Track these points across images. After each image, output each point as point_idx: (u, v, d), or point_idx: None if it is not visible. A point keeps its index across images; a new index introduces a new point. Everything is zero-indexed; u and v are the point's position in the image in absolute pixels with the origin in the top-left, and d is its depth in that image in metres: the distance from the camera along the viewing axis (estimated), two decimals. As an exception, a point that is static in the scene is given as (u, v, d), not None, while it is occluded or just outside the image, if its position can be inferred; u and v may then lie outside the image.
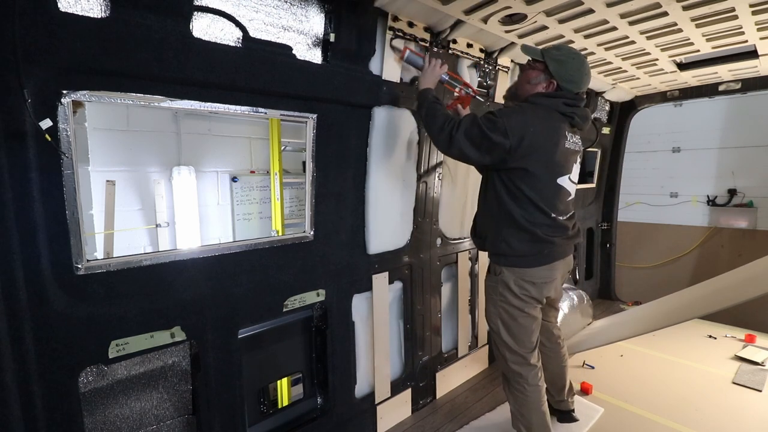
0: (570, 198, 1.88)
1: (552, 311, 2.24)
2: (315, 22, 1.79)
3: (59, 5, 1.15)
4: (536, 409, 1.92)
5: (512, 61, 2.76)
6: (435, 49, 2.22)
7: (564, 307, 3.22)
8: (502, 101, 2.81)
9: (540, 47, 1.86)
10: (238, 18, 1.52)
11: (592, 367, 3.00)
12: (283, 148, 4.89)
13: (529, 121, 1.68)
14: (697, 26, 2.13)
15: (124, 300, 1.41)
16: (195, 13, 1.41)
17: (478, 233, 2.00)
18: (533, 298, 1.86)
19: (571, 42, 2.34)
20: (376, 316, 2.29)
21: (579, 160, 1.94)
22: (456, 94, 2.10)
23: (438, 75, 1.96)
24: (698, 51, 2.57)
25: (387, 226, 2.29)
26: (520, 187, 1.75)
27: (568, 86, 1.79)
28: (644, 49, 2.51)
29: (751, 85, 3.32)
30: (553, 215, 1.80)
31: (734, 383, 2.75)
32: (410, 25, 2.07)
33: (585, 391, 2.67)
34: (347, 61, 1.89)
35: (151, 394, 1.59)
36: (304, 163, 3.17)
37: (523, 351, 1.90)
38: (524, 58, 2.77)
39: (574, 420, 2.32)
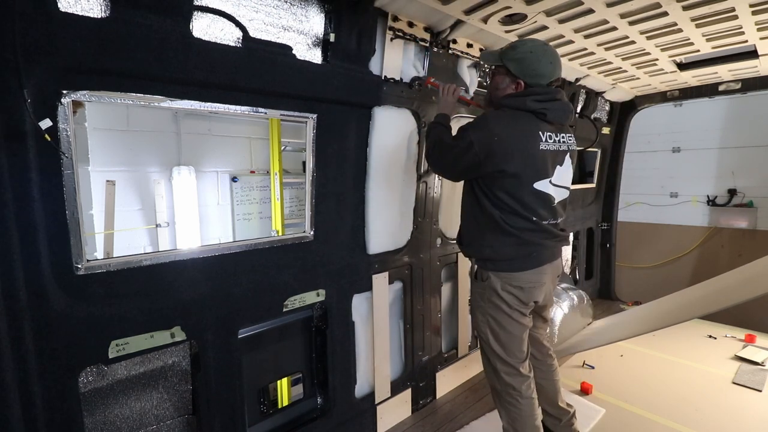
0: (555, 202, 1.77)
1: (542, 322, 2.11)
2: (315, 22, 1.79)
3: (59, 5, 1.15)
4: (530, 423, 1.83)
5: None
6: (437, 50, 2.24)
7: (564, 307, 3.23)
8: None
9: (498, 49, 1.79)
10: (238, 18, 1.52)
11: (592, 367, 3.00)
12: (283, 148, 4.89)
13: (492, 131, 1.62)
14: (697, 26, 2.13)
15: (124, 300, 1.41)
16: (195, 13, 1.41)
17: (463, 240, 1.94)
18: (522, 303, 1.79)
19: (571, 42, 2.34)
20: (376, 316, 2.29)
21: (568, 159, 1.81)
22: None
23: (452, 101, 1.98)
24: (698, 51, 2.57)
25: (387, 226, 2.29)
26: (497, 194, 1.69)
27: (536, 81, 1.70)
28: (644, 49, 2.51)
29: (751, 85, 3.32)
30: (535, 219, 1.72)
31: (734, 383, 2.75)
32: (410, 25, 2.07)
33: (585, 391, 2.67)
34: (347, 61, 1.89)
35: (151, 394, 1.59)
36: (304, 163, 3.17)
37: (513, 361, 1.82)
38: None
39: None
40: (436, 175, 2.57)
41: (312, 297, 1.99)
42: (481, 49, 2.44)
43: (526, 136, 1.66)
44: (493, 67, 1.83)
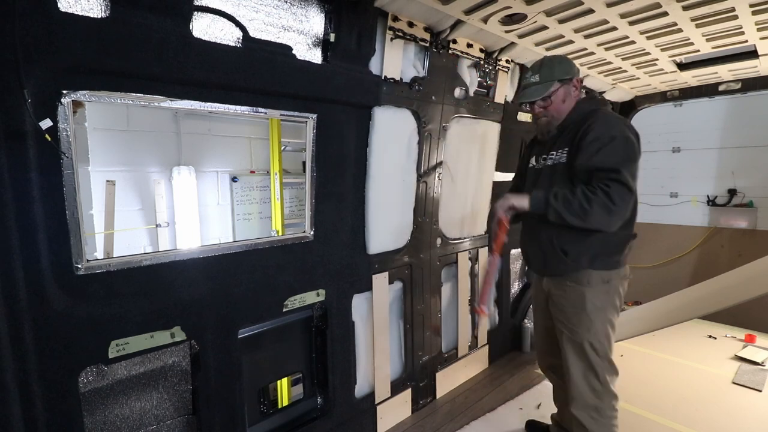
0: None
1: None
2: (315, 22, 1.79)
3: (59, 5, 1.15)
4: None
5: (512, 60, 2.76)
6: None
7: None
8: (502, 101, 2.83)
9: (533, 81, 1.77)
10: (238, 18, 1.52)
11: (592, 367, 3.00)
12: (283, 148, 4.88)
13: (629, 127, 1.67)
14: (697, 26, 2.13)
15: (124, 300, 1.41)
16: (195, 13, 1.41)
17: (568, 254, 1.71)
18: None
19: (571, 42, 2.34)
20: (376, 316, 2.29)
21: None
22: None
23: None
24: (698, 51, 2.57)
25: (387, 226, 2.29)
26: None
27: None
28: (644, 49, 2.51)
29: (751, 85, 3.32)
30: None
31: (734, 383, 2.75)
32: (410, 25, 2.07)
33: (585, 391, 2.67)
34: (347, 61, 1.89)
35: (151, 394, 1.58)
36: (304, 163, 3.17)
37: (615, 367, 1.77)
38: (525, 58, 2.80)
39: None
40: (437, 175, 2.57)
41: (312, 297, 1.99)
42: (480, 49, 2.45)
43: None
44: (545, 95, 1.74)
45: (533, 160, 1.94)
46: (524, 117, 3.05)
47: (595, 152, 1.58)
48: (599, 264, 1.71)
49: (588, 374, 1.74)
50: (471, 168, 2.81)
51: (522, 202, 1.68)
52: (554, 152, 1.78)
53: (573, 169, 1.66)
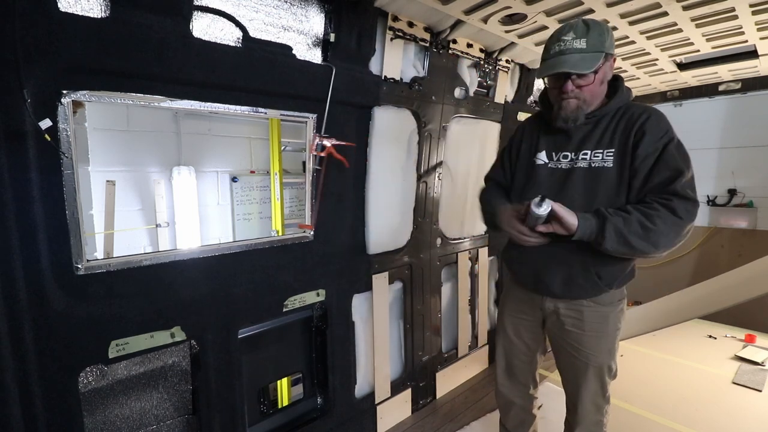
0: None
1: None
2: (315, 22, 1.79)
3: (59, 5, 1.15)
4: None
5: (512, 60, 2.76)
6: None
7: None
8: (502, 101, 2.83)
9: (580, 45, 1.30)
10: (238, 18, 1.52)
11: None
12: (283, 148, 4.88)
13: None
14: (697, 26, 2.13)
15: (124, 300, 1.41)
16: (195, 13, 1.41)
17: (602, 277, 1.41)
18: None
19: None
20: (376, 316, 2.29)
21: None
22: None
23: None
24: (698, 51, 2.57)
25: (387, 226, 2.29)
26: None
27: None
28: (644, 49, 2.50)
29: (751, 85, 3.32)
30: None
31: (734, 383, 2.75)
32: (410, 25, 2.07)
33: (585, 391, 2.67)
34: (347, 61, 1.89)
35: (151, 394, 1.58)
36: (304, 163, 3.17)
37: None
38: (525, 58, 2.79)
39: None
40: (437, 175, 2.57)
41: (312, 297, 1.99)
42: (480, 49, 2.43)
43: None
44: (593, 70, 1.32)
45: (543, 156, 1.50)
46: (525, 116, 3.05)
47: (654, 163, 1.30)
48: (622, 281, 1.48)
49: (597, 395, 1.55)
50: (471, 168, 2.81)
51: (569, 220, 1.27)
52: (588, 151, 1.40)
53: (626, 181, 1.34)
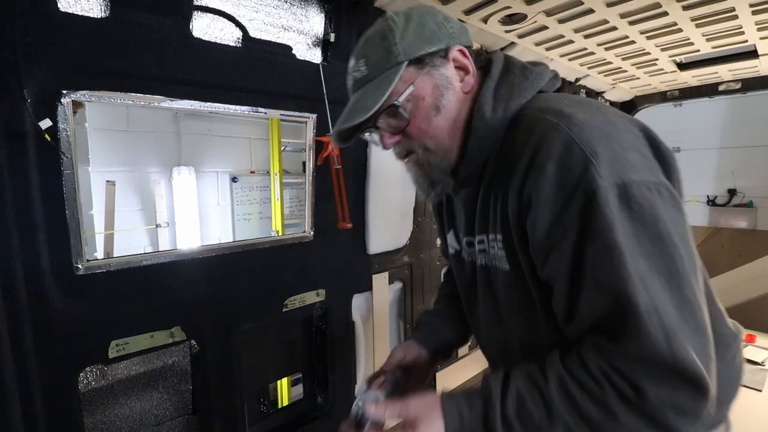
0: None
1: None
2: (315, 22, 1.79)
3: (59, 5, 1.15)
4: None
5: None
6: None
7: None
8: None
9: (366, 76, 0.85)
10: (238, 18, 1.52)
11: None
12: (283, 148, 4.89)
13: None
14: (697, 26, 2.13)
15: (124, 300, 1.41)
16: (195, 13, 1.41)
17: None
18: None
19: (571, 42, 2.34)
20: (376, 316, 2.29)
21: None
22: None
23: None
24: (698, 51, 2.57)
25: (387, 226, 2.29)
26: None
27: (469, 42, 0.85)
28: (644, 49, 2.50)
29: (751, 85, 3.32)
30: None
31: (734, 383, 2.74)
32: (410, 25, 2.06)
33: (585, 391, 2.67)
34: (347, 60, 1.88)
35: (151, 394, 1.58)
36: (304, 163, 3.17)
37: None
38: (525, 58, 2.74)
39: None
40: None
41: (312, 297, 1.99)
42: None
43: None
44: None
45: (451, 238, 1.02)
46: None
47: (572, 263, 0.65)
48: None
49: None
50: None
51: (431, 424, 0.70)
52: (484, 236, 0.83)
53: (536, 297, 0.75)
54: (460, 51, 0.78)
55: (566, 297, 0.66)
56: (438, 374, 2.69)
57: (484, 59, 0.83)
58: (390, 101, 0.76)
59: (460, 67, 0.80)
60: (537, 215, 0.65)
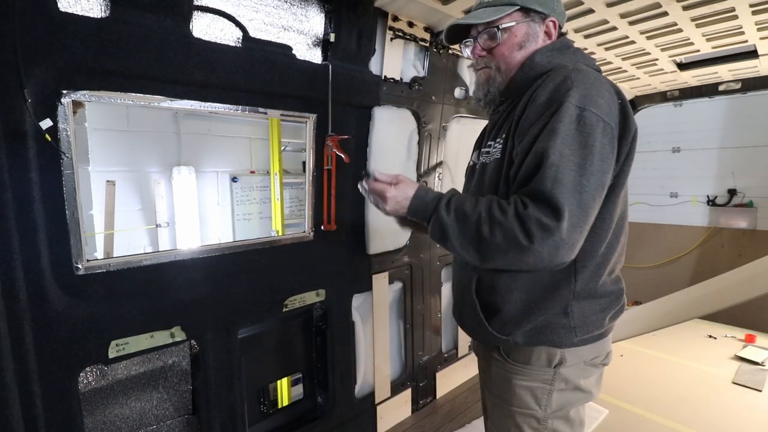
0: None
1: None
2: (315, 22, 1.79)
3: (59, 5, 1.15)
4: None
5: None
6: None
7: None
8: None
9: (489, 3, 1.07)
10: (238, 18, 1.52)
11: (592, 367, 3.00)
12: (283, 148, 4.88)
13: (610, 91, 0.95)
14: (697, 26, 2.13)
15: (124, 300, 1.41)
16: (195, 13, 1.41)
17: (489, 311, 1.05)
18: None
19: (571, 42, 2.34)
20: (376, 316, 2.29)
21: None
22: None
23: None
24: (698, 51, 2.57)
25: (387, 226, 2.29)
26: (614, 203, 1.04)
27: (564, 21, 1.13)
28: (644, 49, 2.50)
29: (751, 85, 3.32)
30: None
31: (734, 383, 2.75)
32: (410, 25, 2.07)
33: (585, 391, 2.67)
34: (347, 61, 1.89)
35: (151, 394, 1.58)
36: (304, 163, 3.17)
37: None
38: None
39: None
40: (437, 175, 2.56)
41: (312, 297, 1.99)
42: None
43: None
44: (497, 25, 1.05)
45: (474, 154, 1.26)
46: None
47: (532, 143, 0.91)
48: (535, 333, 1.01)
49: None
50: (471, 168, 2.81)
51: (403, 196, 1.03)
52: (491, 142, 1.09)
53: (504, 176, 1.00)
54: (552, 22, 1.09)
55: (519, 165, 0.94)
56: (438, 374, 2.70)
57: (561, 35, 1.13)
58: (496, 23, 1.05)
59: (547, 33, 1.10)
60: (529, 114, 0.96)
